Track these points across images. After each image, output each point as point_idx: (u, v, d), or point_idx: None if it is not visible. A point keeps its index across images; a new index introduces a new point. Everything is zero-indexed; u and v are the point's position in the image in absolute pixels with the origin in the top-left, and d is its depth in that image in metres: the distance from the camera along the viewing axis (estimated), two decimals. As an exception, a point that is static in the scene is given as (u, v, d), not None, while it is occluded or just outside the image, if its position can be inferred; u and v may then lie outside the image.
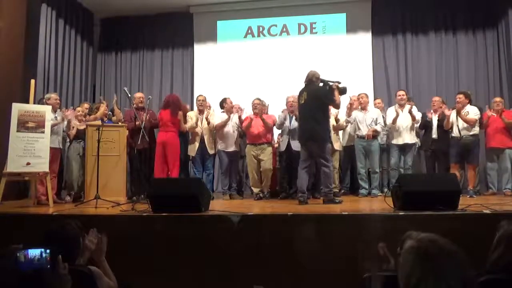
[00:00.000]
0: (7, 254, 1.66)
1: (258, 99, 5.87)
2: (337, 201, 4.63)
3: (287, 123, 5.68)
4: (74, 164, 5.54)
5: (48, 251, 1.67)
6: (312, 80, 4.80)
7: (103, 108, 5.82)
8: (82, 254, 2.19)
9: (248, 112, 6.01)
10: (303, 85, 4.92)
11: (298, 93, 4.98)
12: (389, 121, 5.86)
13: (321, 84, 4.82)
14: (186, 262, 3.29)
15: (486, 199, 4.94)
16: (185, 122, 5.76)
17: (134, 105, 5.72)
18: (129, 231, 3.48)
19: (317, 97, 4.68)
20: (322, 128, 4.63)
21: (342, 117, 5.91)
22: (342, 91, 4.77)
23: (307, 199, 4.76)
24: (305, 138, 4.75)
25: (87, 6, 8.00)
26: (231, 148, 5.83)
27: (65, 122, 5.42)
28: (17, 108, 4.70)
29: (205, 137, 5.80)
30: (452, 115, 5.57)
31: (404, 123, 5.78)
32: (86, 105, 6.17)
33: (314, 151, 4.68)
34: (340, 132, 6.08)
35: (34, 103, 5.05)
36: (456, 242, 1.20)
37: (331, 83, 4.76)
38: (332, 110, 5.45)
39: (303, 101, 4.79)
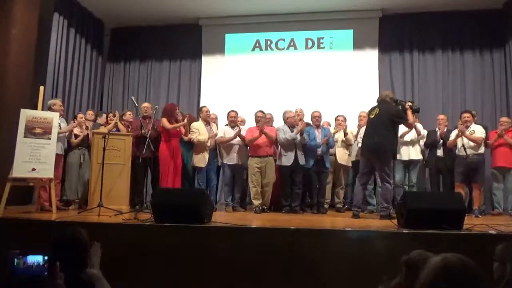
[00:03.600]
0: (5, 260, 1.64)
1: (261, 111, 5.87)
2: (394, 216, 4.33)
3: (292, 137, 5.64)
4: (73, 172, 5.53)
5: (46, 258, 1.64)
6: (385, 99, 4.90)
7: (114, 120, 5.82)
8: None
9: (250, 124, 6.02)
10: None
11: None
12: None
13: (393, 104, 4.94)
14: (186, 273, 3.26)
15: (491, 219, 4.88)
16: (188, 133, 5.72)
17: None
18: (131, 240, 3.47)
19: (389, 115, 4.73)
20: (388, 144, 4.68)
21: (354, 130, 6.00)
22: (416, 110, 4.96)
23: (360, 213, 4.88)
24: (369, 151, 4.80)
25: (98, 16, 8.14)
26: (235, 161, 5.77)
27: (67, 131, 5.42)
28: (25, 113, 4.75)
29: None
30: (454, 132, 5.60)
31: (408, 138, 5.78)
32: (91, 112, 6.21)
33: (377, 166, 4.73)
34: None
35: (43, 109, 5.09)
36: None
37: (404, 103, 4.91)
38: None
39: (373, 116, 4.84)
